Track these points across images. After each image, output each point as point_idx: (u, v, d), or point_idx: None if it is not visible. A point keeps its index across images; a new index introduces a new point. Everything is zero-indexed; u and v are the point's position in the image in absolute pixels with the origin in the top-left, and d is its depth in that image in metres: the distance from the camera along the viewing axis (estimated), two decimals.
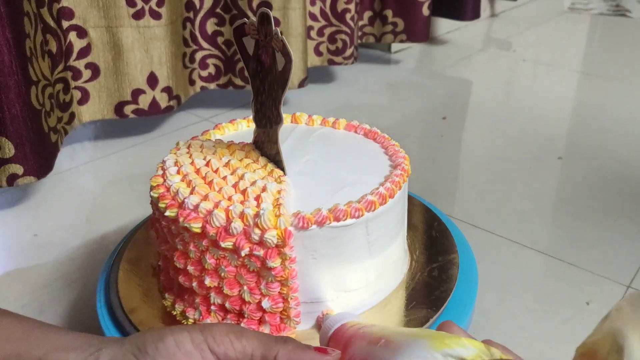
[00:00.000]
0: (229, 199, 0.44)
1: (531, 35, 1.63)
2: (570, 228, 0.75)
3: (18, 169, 0.71)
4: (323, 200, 0.44)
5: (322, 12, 1.13)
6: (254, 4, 0.97)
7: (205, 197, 0.44)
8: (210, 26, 1.00)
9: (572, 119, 1.11)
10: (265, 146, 0.50)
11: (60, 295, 0.62)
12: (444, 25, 1.57)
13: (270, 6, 0.99)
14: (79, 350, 0.35)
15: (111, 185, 0.85)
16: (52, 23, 0.80)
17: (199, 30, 1.00)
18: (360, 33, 1.29)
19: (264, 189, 0.45)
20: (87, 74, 0.87)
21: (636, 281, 0.65)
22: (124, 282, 0.51)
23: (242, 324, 0.44)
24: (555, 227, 0.76)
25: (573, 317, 0.60)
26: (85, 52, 0.86)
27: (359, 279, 0.46)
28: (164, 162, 0.50)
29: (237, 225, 0.41)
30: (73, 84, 0.87)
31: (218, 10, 1.00)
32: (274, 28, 0.43)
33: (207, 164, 0.48)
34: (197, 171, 0.48)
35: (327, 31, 1.14)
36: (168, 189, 0.46)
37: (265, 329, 0.44)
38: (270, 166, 0.49)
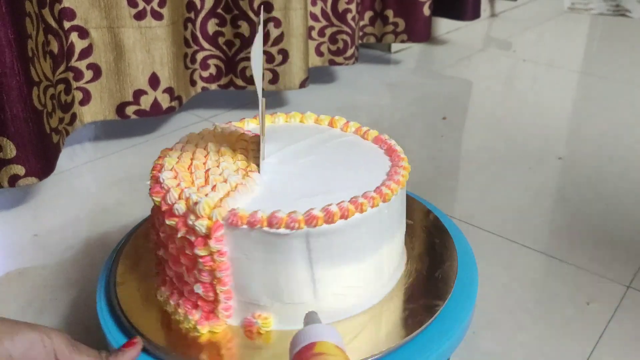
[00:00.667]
0: (192, 183, 0.46)
1: (531, 35, 1.63)
2: (570, 228, 0.75)
3: (19, 169, 0.71)
4: (286, 204, 0.43)
5: (323, 12, 1.13)
6: (255, 5, 0.97)
7: (177, 179, 0.47)
8: (211, 27, 1.00)
9: (572, 119, 1.11)
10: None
11: (61, 295, 0.62)
12: (444, 25, 1.57)
13: (271, 6, 0.99)
14: None
15: (111, 186, 0.85)
16: (53, 23, 0.80)
17: (200, 31, 1.00)
18: (361, 33, 1.29)
19: (225, 180, 0.46)
20: (88, 74, 0.87)
21: (636, 281, 0.65)
22: (123, 282, 0.51)
23: (180, 301, 0.47)
24: (555, 227, 0.76)
25: (573, 317, 0.60)
26: (86, 52, 0.86)
27: (297, 292, 0.45)
28: (172, 147, 0.52)
29: (180, 207, 0.43)
30: (74, 84, 0.87)
31: (219, 10, 1.00)
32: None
33: (205, 148, 0.51)
34: (193, 156, 0.50)
35: (328, 31, 1.14)
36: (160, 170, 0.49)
37: (197, 315, 0.46)
38: (253, 161, 0.49)
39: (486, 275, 0.62)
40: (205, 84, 1.04)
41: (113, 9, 0.85)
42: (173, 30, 0.92)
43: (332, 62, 1.16)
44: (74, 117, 0.87)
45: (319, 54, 1.15)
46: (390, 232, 0.48)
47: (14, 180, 0.71)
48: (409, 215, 0.58)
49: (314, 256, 0.43)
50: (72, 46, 0.85)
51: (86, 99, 0.88)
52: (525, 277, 0.66)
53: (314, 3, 1.11)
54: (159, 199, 0.45)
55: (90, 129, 1.01)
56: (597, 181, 0.86)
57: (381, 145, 0.53)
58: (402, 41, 1.30)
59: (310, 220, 0.42)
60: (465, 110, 1.15)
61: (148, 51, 0.89)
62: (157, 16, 0.88)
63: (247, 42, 1.00)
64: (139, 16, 0.87)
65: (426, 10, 1.27)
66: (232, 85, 1.04)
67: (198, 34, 0.99)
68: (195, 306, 0.46)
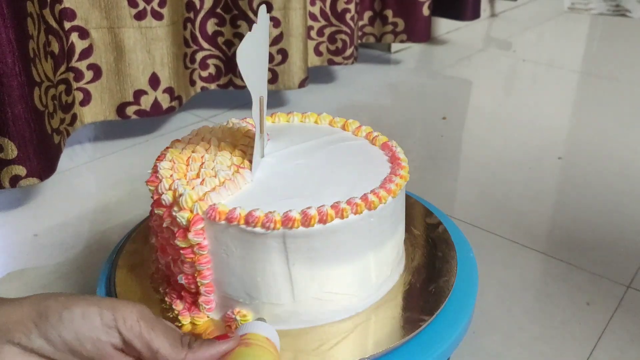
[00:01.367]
0: (185, 175, 0.47)
1: (531, 35, 1.63)
2: (570, 228, 0.75)
3: (21, 170, 0.71)
4: (269, 203, 0.43)
5: (322, 12, 1.13)
6: (255, 4, 0.97)
7: (172, 170, 0.47)
8: (211, 26, 1.00)
9: (572, 118, 1.11)
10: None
11: None
12: (444, 25, 1.57)
13: (270, 6, 0.99)
14: None
15: (111, 186, 0.85)
16: (54, 24, 0.80)
17: (200, 31, 1.00)
18: (360, 33, 1.29)
19: (215, 175, 0.46)
20: (89, 75, 0.87)
21: (636, 281, 0.65)
22: (123, 282, 0.51)
23: (167, 290, 0.47)
24: (555, 227, 0.76)
25: (573, 317, 0.60)
26: (87, 53, 0.86)
27: (275, 292, 0.44)
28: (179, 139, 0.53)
29: (167, 197, 0.44)
30: (75, 85, 0.87)
31: (218, 10, 1.00)
32: None
33: (209, 142, 0.52)
34: (194, 149, 0.51)
35: (327, 31, 1.14)
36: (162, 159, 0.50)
37: (180, 306, 0.46)
38: (248, 159, 0.49)
39: (486, 275, 0.62)
40: (204, 84, 1.04)
41: (113, 9, 0.85)
42: (173, 30, 0.92)
43: (331, 62, 1.16)
44: (74, 117, 0.87)
45: (318, 53, 1.15)
46: (379, 240, 0.47)
47: (15, 180, 0.71)
48: (417, 225, 0.58)
49: (291, 257, 0.43)
50: (72, 47, 0.85)
51: (87, 99, 0.88)
52: (525, 277, 0.66)
53: (312, 3, 1.11)
54: (153, 188, 0.46)
55: (91, 129, 1.01)
56: (597, 181, 0.86)
57: (387, 152, 0.53)
58: (402, 41, 1.30)
59: (287, 222, 0.42)
60: (465, 110, 1.15)
61: (148, 51, 0.89)
62: (158, 16, 0.88)
63: None
64: (140, 16, 0.87)
65: (425, 11, 1.27)
66: (231, 84, 1.04)
67: (197, 33, 0.99)
68: (180, 297, 0.47)
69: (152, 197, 0.47)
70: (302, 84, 1.06)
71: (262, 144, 0.50)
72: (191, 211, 0.43)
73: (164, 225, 0.45)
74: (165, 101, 0.94)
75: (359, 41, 1.28)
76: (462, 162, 0.94)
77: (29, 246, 0.71)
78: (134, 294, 0.50)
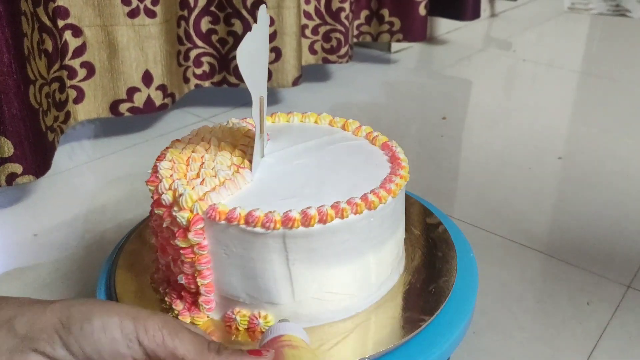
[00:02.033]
0: (185, 175, 0.47)
1: (531, 35, 1.63)
2: (570, 228, 0.75)
3: (17, 168, 0.71)
4: (269, 203, 0.43)
5: (317, 10, 1.13)
6: (248, 3, 0.97)
7: (172, 170, 0.47)
8: (205, 24, 1.00)
9: (572, 119, 1.11)
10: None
11: (60, 295, 0.62)
12: (443, 25, 1.56)
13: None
14: None
15: (111, 185, 0.85)
16: (47, 22, 0.80)
17: (194, 29, 1.00)
18: (357, 32, 1.29)
19: (215, 175, 0.46)
20: (82, 72, 0.87)
21: (636, 281, 0.65)
22: (123, 282, 0.51)
23: (167, 290, 0.47)
24: (555, 227, 0.76)
25: (573, 317, 0.59)
26: (80, 51, 0.86)
27: (275, 292, 0.44)
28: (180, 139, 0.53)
29: (167, 197, 0.44)
30: (68, 82, 0.86)
31: (212, 8, 1.00)
32: None
33: (209, 142, 0.51)
34: (194, 149, 0.51)
35: (322, 30, 1.14)
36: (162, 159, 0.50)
37: (180, 305, 0.46)
38: (248, 159, 0.49)
39: (486, 275, 0.62)
40: (198, 81, 1.04)
41: (106, 7, 0.85)
42: (166, 28, 0.91)
43: (325, 60, 1.16)
44: (68, 115, 0.87)
45: (313, 52, 1.15)
46: (379, 240, 0.47)
47: (11, 178, 0.71)
48: (417, 225, 0.58)
49: (291, 257, 0.43)
50: (66, 45, 0.85)
51: (80, 97, 0.88)
52: (525, 277, 0.66)
53: (307, 1, 1.11)
54: (153, 188, 0.46)
55: (90, 129, 1.01)
56: (597, 181, 0.86)
57: (387, 152, 0.52)
58: (398, 40, 1.30)
59: (287, 222, 0.41)
60: (465, 110, 1.15)
61: (141, 49, 0.89)
62: (151, 14, 0.88)
63: (240, 40, 1.00)
64: (132, 14, 0.87)
65: (422, 10, 1.27)
66: (225, 82, 1.04)
67: (191, 31, 0.99)
68: (180, 297, 0.47)
69: (152, 197, 0.47)
70: (295, 82, 1.06)
71: (262, 144, 0.50)
72: (191, 211, 0.43)
73: (164, 225, 0.45)
74: (158, 98, 0.94)
75: (356, 40, 1.28)
76: (462, 162, 0.94)
77: (29, 246, 0.71)
78: (133, 294, 0.50)
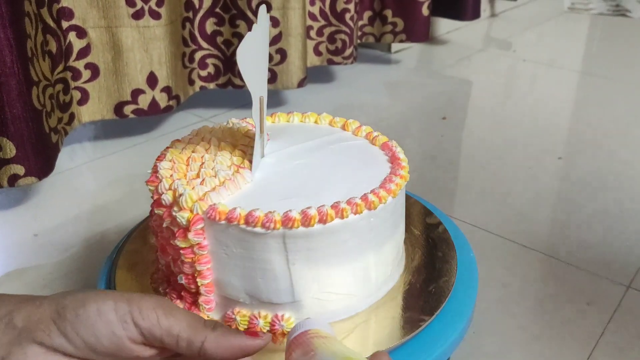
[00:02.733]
0: (185, 175, 0.47)
1: (531, 35, 1.63)
2: (570, 228, 0.75)
3: (19, 169, 0.71)
4: (270, 203, 0.43)
5: (322, 11, 1.13)
6: (254, 4, 0.97)
7: (172, 170, 0.47)
8: (210, 26, 1.00)
9: (572, 119, 1.11)
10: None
11: None
12: (444, 25, 1.56)
13: (269, 6, 0.99)
14: None
15: (111, 185, 0.85)
16: (51, 23, 0.80)
17: (198, 30, 1.00)
18: (360, 33, 1.29)
19: (215, 175, 0.46)
20: (86, 74, 0.87)
21: (636, 281, 0.65)
22: (123, 282, 0.51)
23: (167, 290, 0.47)
24: (555, 227, 0.76)
25: (573, 317, 0.60)
26: (84, 52, 0.86)
27: (275, 292, 0.44)
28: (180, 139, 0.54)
29: (167, 197, 0.44)
30: (73, 84, 0.86)
31: (217, 10, 1.00)
32: None
33: (209, 142, 0.51)
34: (195, 149, 0.51)
35: (327, 31, 1.14)
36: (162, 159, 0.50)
37: (180, 305, 0.46)
38: (248, 159, 0.49)
39: (486, 275, 0.62)
40: (203, 83, 1.04)
41: (111, 8, 0.85)
42: (171, 29, 0.91)
43: (330, 62, 1.16)
44: (72, 116, 0.87)
45: (318, 53, 1.15)
46: (379, 240, 0.47)
47: (13, 180, 0.71)
48: (417, 225, 0.58)
49: (291, 257, 0.43)
50: (70, 46, 0.85)
51: (84, 98, 0.88)
52: (526, 277, 0.66)
53: (312, 2, 1.11)
54: (153, 188, 0.46)
55: (90, 129, 1.01)
56: (597, 181, 0.86)
57: (387, 152, 0.52)
58: (401, 41, 1.30)
59: (287, 222, 0.41)
60: (465, 110, 1.15)
61: (146, 50, 0.89)
62: (155, 15, 0.88)
63: None
64: (137, 16, 0.87)
65: (425, 10, 1.27)
66: (230, 84, 1.04)
67: (196, 33, 0.99)
68: (180, 297, 0.47)
69: (152, 197, 0.47)
70: (300, 84, 1.06)
71: (262, 144, 0.50)
72: (191, 211, 0.43)
73: (164, 225, 0.45)
74: (163, 100, 0.94)
75: (359, 41, 1.28)
76: (462, 162, 0.94)
77: (29, 246, 0.71)
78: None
